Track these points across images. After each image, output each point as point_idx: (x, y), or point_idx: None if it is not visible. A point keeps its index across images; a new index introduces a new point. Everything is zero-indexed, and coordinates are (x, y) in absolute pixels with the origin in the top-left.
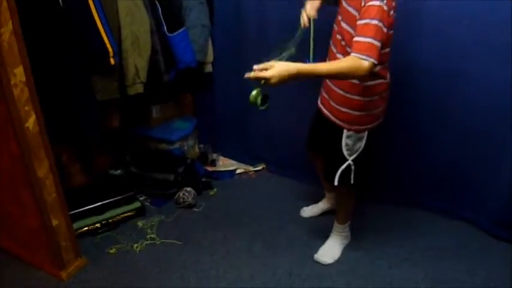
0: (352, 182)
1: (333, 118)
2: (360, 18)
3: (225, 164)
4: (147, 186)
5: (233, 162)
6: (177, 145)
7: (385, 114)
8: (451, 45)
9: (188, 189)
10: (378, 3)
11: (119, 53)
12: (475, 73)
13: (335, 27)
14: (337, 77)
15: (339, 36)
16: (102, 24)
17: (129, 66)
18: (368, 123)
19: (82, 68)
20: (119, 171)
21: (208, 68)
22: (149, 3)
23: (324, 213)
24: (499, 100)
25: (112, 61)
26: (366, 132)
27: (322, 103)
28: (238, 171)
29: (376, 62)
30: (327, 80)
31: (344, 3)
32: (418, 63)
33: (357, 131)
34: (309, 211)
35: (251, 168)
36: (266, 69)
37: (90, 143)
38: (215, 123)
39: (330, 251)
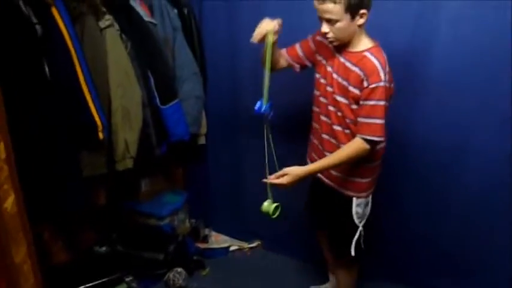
0: (353, 253)
1: (340, 189)
2: (366, 99)
3: (217, 240)
4: (135, 266)
5: (226, 238)
6: (167, 220)
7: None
8: (453, 118)
9: (179, 270)
10: (382, 84)
11: (108, 126)
12: (477, 147)
13: (322, 83)
14: (344, 163)
15: (331, 108)
16: (91, 96)
17: (118, 141)
18: (372, 187)
19: (69, 142)
20: (104, 249)
21: (202, 140)
22: (141, 74)
23: None
24: (503, 176)
25: (101, 135)
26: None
27: (324, 176)
28: (232, 248)
29: (382, 139)
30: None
31: (342, 59)
32: (418, 135)
33: (366, 197)
34: None
35: (246, 245)
36: (281, 176)
37: (75, 219)
38: (207, 197)
39: None
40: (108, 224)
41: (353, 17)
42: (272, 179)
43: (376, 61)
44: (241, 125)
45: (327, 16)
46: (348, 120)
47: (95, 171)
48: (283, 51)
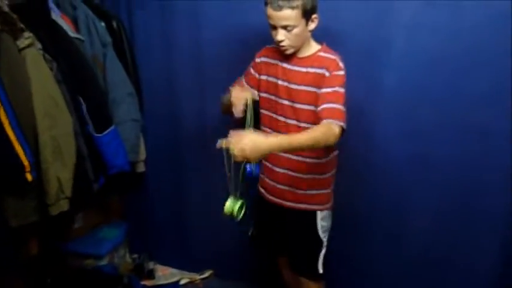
0: (322, 270)
1: (302, 206)
2: (327, 86)
3: (165, 274)
4: None
5: (174, 271)
6: (106, 260)
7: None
8: (415, 128)
9: None
10: (342, 72)
11: (36, 165)
12: (439, 157)
13: (273, 100)
14: (313, 145)
15: (291, 121)
16: (13, 131)
17: (50, 181)
18: (332, 198)
19: None
20: None
21: (141, 168)
22: (70, 99)
23: None
24: (469, 179)
25: (29, 177)
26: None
27: (281, 198)
28: (182, 281)
29: (345, 127)
30: (289, 172)
31: (294, 67)
32: (378, 147)
33: (329, 209)
34: None
35: (197, 277)
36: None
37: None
38: (149, 228)
39: None
40: (41, 271)
41: (307, 22)
42: (229, 142)
43: (332, 55)
44: (182, 148)
45: (284, 23)
46: (309, 126)
47: (24, 220)
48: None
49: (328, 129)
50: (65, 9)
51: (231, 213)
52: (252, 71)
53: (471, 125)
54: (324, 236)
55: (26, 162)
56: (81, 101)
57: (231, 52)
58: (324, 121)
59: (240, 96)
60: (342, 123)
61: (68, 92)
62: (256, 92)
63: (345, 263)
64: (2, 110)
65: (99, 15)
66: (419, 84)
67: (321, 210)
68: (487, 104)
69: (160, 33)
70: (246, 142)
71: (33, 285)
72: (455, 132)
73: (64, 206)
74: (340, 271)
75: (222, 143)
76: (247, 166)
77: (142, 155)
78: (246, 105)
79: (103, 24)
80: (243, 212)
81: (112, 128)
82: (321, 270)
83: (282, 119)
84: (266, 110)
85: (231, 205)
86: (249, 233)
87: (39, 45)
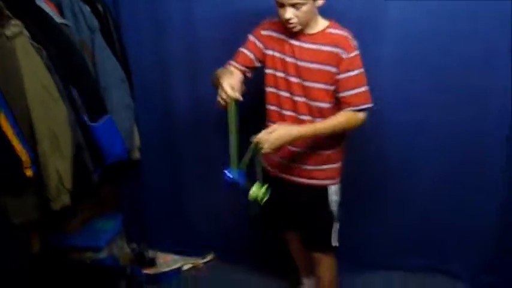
0: (335, 243)
1: (313, 182)
2: (348, 70)
3: (167, 261)
4: None
5: (176, 257)
6: (105, 252)
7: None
8: (410, 96)
9: None
10: (357, 51)
11: (34, 159)
12: (436, 123)
13: (280, 77)
14: (337, 132)
15: (298, 99)
16: (10, 126)
17: (50, 174)
18: (342, 171)
19: None
20: None
21: (136, 155)
22: (63, 88)
23: None
24: (467, 144)
25: (29, 172)
26: None
27: (291, 174)
28: (185, 267)
29: (371, 106)
30: (294, 148)
31: (303, 44)
32: (382, 115)
33: (339, 182)
34: None
35: (199, 261)
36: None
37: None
38: (146, 216)
39: None
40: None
41: None
42: (261, 137)
43: (343, 32)
44: (175, 133)
45: (293, 1)
46: (322, 105)
47: (25, 217)
48: (234, 64)
49: (352, 117)
50: None
51: (256, 199)
52: (255, 40)
53: (466, 89)
54: (336, 210)
55: (24, 158)
56: (74, 90)
57: (225, 32)
58: (348, 109)
59: (225, 92)
60: (368, 105)
61: (60, 81)
62: (238, 95)
63: (350, 231)
64: None
65: None
66: (415, 51)
67: (332, 184)
68: (481, 68)
69: (149, 14)
70: (275, 138)
71: (36, 282)
72: (451, 98)
73: (65, 199)
74: (346, 239)
75: (253, 139)
76: (227, 171)
77: (137, 141)
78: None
79: (88, 8)
80: (267, 196)
81: (107, 116)
82: (334, 244)
83: (289, 95)
84: (272, 87)
85: (257, 190)
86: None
87: (27, 33)
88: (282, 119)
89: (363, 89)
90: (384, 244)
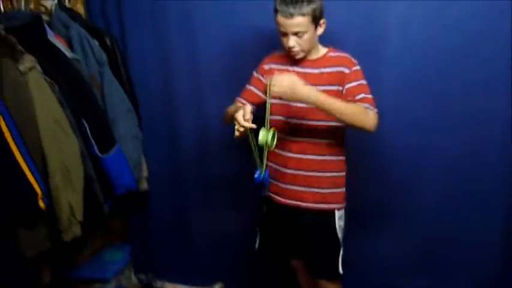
0: (342, 269)
1: (322, 206)
2: (353, 81)
3: None
4: None
5: (184, 287)
6: (113, 283)
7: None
8: (413, 121)
9: None
10: (359, 67)
11: (46, 191)
12: (439, 147)
13: (285, 105)
14: (347, 115)
15: (309, 122)
16: (23, 158)
17: (62, 206)
18: (346, 197)
19: (4, 220)
20: None
21: (144, 185)
22: (75, 121)
23: None
24: (466, 168)
25: (42, 204)
26: None
27: (300, 199)
28: None
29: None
30: (300, 172)
31: (306, 69)
32: (381, 140)
33: (344, 208)
34: None
35: None
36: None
37: None
38: (154, 247)
39: None
40: None
41: (316, 27)
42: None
43: (343, 53)
44: (183, 164)
45: (295, 30)
46: (330, 123)
47: (39, 249)
48: (241, 101)
49: (366, 113)
50: (57, 29)
51: (266, 143)
52: (258, 76)
53: (467, 115)
54: (341, 236)
55: (38, 190)
56: (84, 122)
57: (229, 62)
58: (363, 105)
59: (241, 123)
60: (376, 111)
61: (71, 114)
62: (253, 125)
63: (354, 254)
64: (10, 137)
65: (92, 33)
66: (416, 78)
67: (338, 209)
68: (482, 94)
69: (155, 47)
70: (287, 81)
71: None
72: (452, 123)
73: (76, 231)
74: (349, 262)
75: (267, 79)
76: (256, 173)
77: (145, 172)
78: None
79: (96, 42)
80: (275, 141)
81: (116, 147)
82: (341, 271)
83: (295, 121)
84: (279, 115)
85: (265, 135)
86: (256, 245)
87: (39, 68)
88: (288, 146)
89: (369, 96)
90: (388, 265)
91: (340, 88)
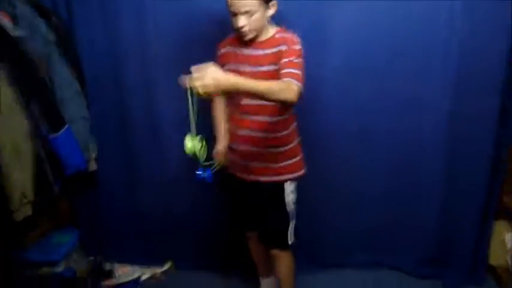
0: (292, 240)
1: (273, 178)
2: (286, 57)
3: (125, 272)
4: None
5: (134, 268)
6: (62, 265)
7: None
8: (357, 105)
9: None
10: (299, 46)
11: None
12: (380, 130)
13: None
14: (268, 94)
15: (254, 102)
16: None
17: (13, 185)
18: (301, 169)
19: None
20: None
21: (93, 166)
22: (23, 101)
23: None
24: (407, 149)
25: None
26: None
27: (250, 173)
28: (143, 277)
29: (302, 89)
30: (250, 148)
31: (253, 51)
32: (326, 124)
33: (295, 179)
34: None
35: (157, 270)
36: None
37: None
38: (102, 228)
39: None
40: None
41: (266, 8)
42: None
43: (289, 34)
44: (132, 144)
45: (245, 9)
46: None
47: None
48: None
49: (288, 86)
50: (3, 6)
51: (194, 153)
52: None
53: (410, 99)
54: (292, 209)
55: None
56: (33, 102)
57: (179, 44)
58: (284, 79)
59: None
60: (299, 84)
61: (20, 93)
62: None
63: (303, 230)
64: None
65: (39, 12)
66: (360, 62)
67: (290, 180)
68: (420, 80)
69: (103, 27)
70: (208, 78)
71: None
72: (393, 106)
73: (28, 210)
74: (299, 239)
75: (185, 81)
76: (199, 171)
77: (94, 153)
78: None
79: (44, 21)
80: (205, 149)
81: (66, 126)
82: (290, 241)
83: (246, 102)
84: (231, 97)
85: (192, 143)
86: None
87: None
88: (240, 123)
89: (297, 71)
90: (336, 242)
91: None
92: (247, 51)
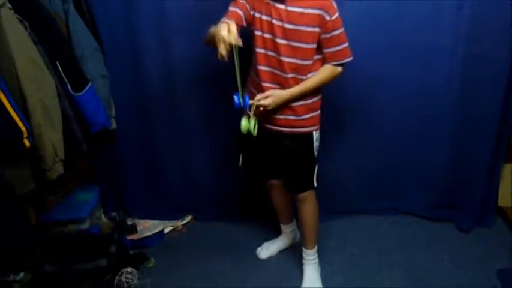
0: (316, 183)
1: (301, 130)
2: (332, 30)
3: (147, 227)
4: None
5: (156, 222)
6: (87, 222)
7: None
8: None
9: (129, 269)
10: (338, 13)
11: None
12: (394, 76)
13: (267, 38)
14: (321, 86)
15: (285, 59)
16: (7, 98)
17: (46, 145)
18: (320, 119)
19: None
20: (22, 275)
21: (113, 124)
22: (48, 59)
23: (281, 252)
24: (418, 96)
25: (27, 143)
26: None
27: (279, 125)
28: (166, 230)
29: (351, 58)
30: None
31: (289, 7)
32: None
33: (319, 128)
34: (265, 250)
35: (179, 223)
36: (265, 97)
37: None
38: (122, 185)
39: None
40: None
41: None
42: (257, 100)
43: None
44: (148, 102)
45: None
46: (305, 63)
47: (25, 189)
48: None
49: (333, 71)
50: None
51: (248, 131)
52: (243, 1)
53: (418, 48)
54: (317, 154)
55: (23, 128)
56: (57, 61)
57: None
58: (327, 65)
59: (226, 39)
60: (349, 59)
61: (44, 52)
62: (239, 40)
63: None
64: None
65: None
66: (371, 15)
67: (315, 130)
68: (430, 26)
69: None
70: (270, 102)
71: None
72: (404, 53)
73: (60, 168)
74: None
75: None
76: (235, 97)
77: (113, 111)
78: (231, 50)
79: None
80: (256, 127)
81: (89, 85)
82: (315, 183)
83: (277, 56)
84: (261, 48)
85: (246, 124)
86: (240, 163)
87: (9, 5)
88: (271, 77)
89: (345, 45)
90: (350, 190)
91: (317, 30)
92: (281, 6)
